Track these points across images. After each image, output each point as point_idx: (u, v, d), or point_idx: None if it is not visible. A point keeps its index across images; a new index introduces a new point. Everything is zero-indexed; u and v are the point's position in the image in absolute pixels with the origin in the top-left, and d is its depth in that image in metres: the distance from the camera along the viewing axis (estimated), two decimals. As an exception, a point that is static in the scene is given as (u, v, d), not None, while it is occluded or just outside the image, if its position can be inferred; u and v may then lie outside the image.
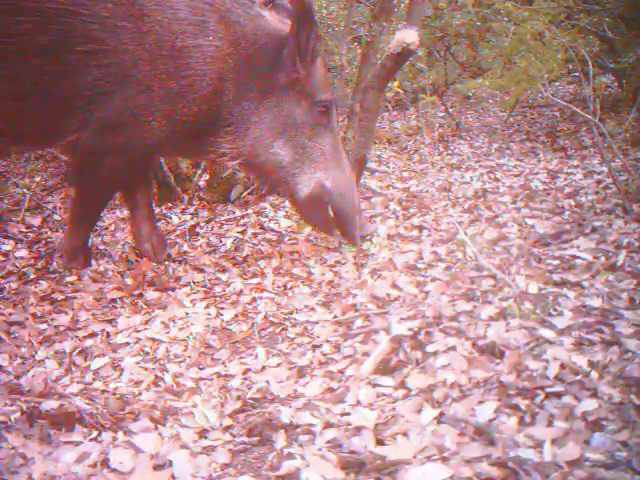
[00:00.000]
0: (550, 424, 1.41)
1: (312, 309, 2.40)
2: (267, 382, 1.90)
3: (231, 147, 2.65)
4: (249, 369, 2.02)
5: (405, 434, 1.47)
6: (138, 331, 2.33)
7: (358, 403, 1.67)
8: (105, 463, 1.50)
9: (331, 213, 2.72)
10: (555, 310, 1.98)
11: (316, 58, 2.62)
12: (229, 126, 2.62)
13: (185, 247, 3.21)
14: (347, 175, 2.77)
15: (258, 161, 2.70)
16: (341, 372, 1.88)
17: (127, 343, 2.25)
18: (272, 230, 3.39)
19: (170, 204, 3.88)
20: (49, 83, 2.36)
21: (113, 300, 2.59)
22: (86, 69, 2.36)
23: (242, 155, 2.68)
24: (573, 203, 3.25)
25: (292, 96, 2.64)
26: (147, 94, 2.43)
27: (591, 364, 1.63)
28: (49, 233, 3.42)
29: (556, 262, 2.43)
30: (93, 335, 2.32)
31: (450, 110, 6.69)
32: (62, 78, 2.37)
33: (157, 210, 3.33)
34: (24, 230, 3.45)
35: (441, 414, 1.52)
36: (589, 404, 1.45)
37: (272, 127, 2.64)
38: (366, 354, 1.91)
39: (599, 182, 3.62)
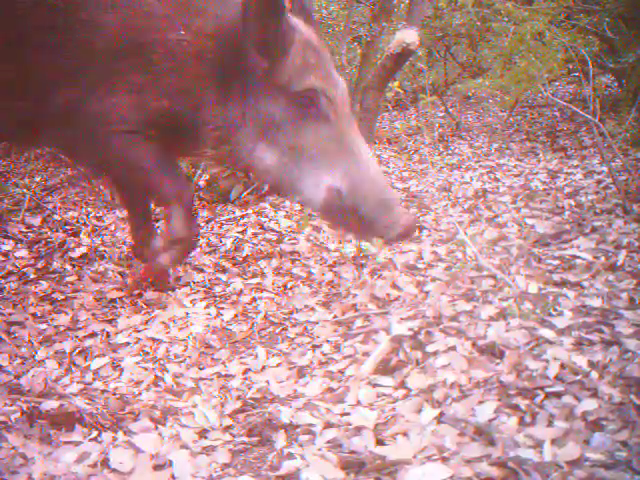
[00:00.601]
0: (550, 424, 1.41)
1: (312, 309, 2.40)
2: (267, 382, 1.90)
3: (216, 152, 2.41)
4: (249, 369, 2.02)
5: (405, 434, 1.47)
6: (138, 331, 2.33)
7: (358, 403, 1.67)
8: (105, 463, 1.50)
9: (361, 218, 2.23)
10: (555, 310, 1.98)
11: (288, 43, 2.22)
12: (214, 130, 2.34)
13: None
14: (368, 170, 2.27)
15: (246, 166, 2.46)
16: (341, 372, 1.88)
17: (127, 343, 2.25)
18: (272, 230, 3.39)
19: (170, 204, 3.87)
20: (15, 78, 2.24)
21: (113, 300, 2.59)
22: (47, 61, 2.22)
23: (229, 160, 2.47)
24: (573, 203, 3.25)
25: (265, 91, 2.27)
26: (109, 87, 2.25)
27: (591, 364, 1.63)
28: (49, 233, 3.41)
29: (556, 262, 2.43)
30: (93, 335, 2.32)
31: (450, 110, 6.69)
32: (27, 70, 2.23)
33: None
34: (24, 230, 3.44)
35: (441, 414, 1.52)
36: (589, 404, 1.45)
37: (252, 129, 2.30)
38: (366, 354, 1.91)
39: (599, 182, 3.62)
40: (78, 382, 1.99)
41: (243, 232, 3.38)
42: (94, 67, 2.23)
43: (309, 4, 2.53)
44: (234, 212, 3.73)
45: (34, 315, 2.49)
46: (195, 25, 2.26)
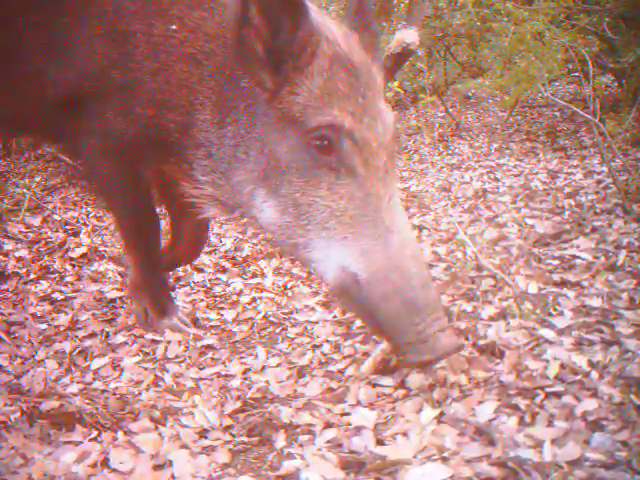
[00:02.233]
0: (550, 424, 1.41)
1: (312, 309, 2.40)
2: (267, 382, 1.90)
3: (202, 191, 1.91)
4: (249, 369, 2.02)
5: (405, 434, 1.47)
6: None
7: (358, 403, 1.67)
8: (105, 463, 1.50)
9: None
10: (555, 310, 1.98)
11: (307, 57, 1.63)
12: (205, 157, 1.86)
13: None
14: (401, 253, 1.58)
15: (243, 215, 1.87)
16: (341, 372, 1.88)
17: (126, 343, 2.25)
18: (272, 230, 3.39)
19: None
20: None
21: (113, 300, 2.59)
22: (27, 48, 1.98)
23: (219, 202, 1.90)
24: (573, 203, 3.25)
25: (271, 121, 1.70)
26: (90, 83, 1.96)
27: (591, 364, 1.63)
28: (49, 233, 3.41)
29: (556, 262, 2.43)
30: (93, 335, 2.32)
31: (450, 110, 6.69)
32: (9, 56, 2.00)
33: (157, 210, 3.33)
34: (24, 230, 3.44)
35: (441, 414, 1.52)
36: (589, 404, 1.45)
37: (252, 169, 1.75)
38: (366, 354, 1.91)
39: (599, 182, 3.62)
40: (78, 382, 1.99)
41: (243, 232, 3.38)
42: (77, 54, 1.92)
43: (369, 8, 1.93)
44: (234, 212, 3.72)
45: (34, 315, 2.49)
46: (192, 19, 1.83)
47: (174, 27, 1.82)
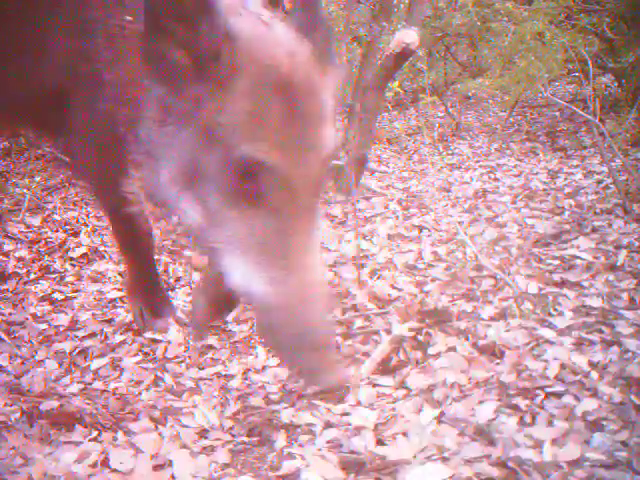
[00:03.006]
0: (550, 424, 1.42)
1: (312, 309, 2.39)
2: (267, 382, 1.90)
3: (141, 183, 1.79)
4: (249, 369, 2.02)
5: (405, 434, 1.47)
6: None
7: (358, 403, 1.67)
8: (105, 463, 1.50)
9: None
10: (555, 310, 1.98)
11: (230, 77, 1.39)
12: (140, 154, 1.72)
13: (185, 247, 3.21)
14: (306, 290, 1.50)
15: (170, 213, 1.76)
16: (341, 372, 1.88)
17: (126, 343, 2.25)
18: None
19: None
20: None
21: (113, 300, 2.58)
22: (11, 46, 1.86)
23: (149, 197, 1.78)
24: (573, 203, 3.25)
25: (202, 133, 1.51)
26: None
27: (591, 364, 1.63)
28: (49, 233, 3.41)
29: (556, 262, 2.43)
30: (93, 335, 2.32)
31: (450, 110, 6.69)
32: None
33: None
34: (24, 230, 3.44)
35: (441, 414, 1.52)
36: (589, 404, 1.45)
37: (180, 172, 1.59)
38: (366, 354, 1.91)
39: (599, 182, 3.62)
40: (78, 382, 1.99)
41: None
42: (50, 47, 1.80)
43: (318, 4, 1.65)
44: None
45: (34, 315, 2.49)
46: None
47: (129, 18, 1.64)
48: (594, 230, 2.75)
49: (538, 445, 1.34)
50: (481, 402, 1.53)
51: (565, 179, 3.92)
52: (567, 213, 3.09)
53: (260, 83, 1.39)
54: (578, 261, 2.40)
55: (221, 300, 1.97)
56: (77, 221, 3.56)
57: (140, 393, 1.90)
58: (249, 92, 1.40)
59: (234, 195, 1.49)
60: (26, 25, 1.87)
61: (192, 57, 1.41)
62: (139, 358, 2.14)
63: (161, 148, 1.63)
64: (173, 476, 1.45)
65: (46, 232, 3.44)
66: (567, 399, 1.49)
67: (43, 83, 1.91)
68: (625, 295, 2.02)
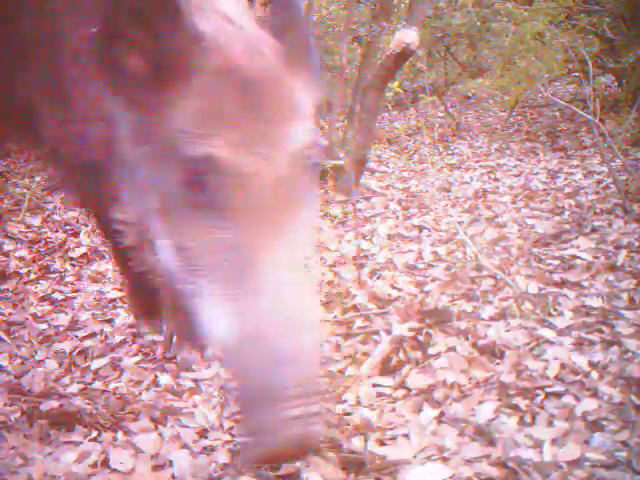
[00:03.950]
0: (550, 424, 1.42)
1: (312, 309, 2.39)
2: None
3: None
4: (249, 369, 2.01)
5: (405, 434, 1.47)
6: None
7: (358, 403, 1.67)
8: (105, 463, 1.50)
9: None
10: (555, 310, 1.98)
11: (190, 75, 1.27)
12: (124, 180, 1.51)
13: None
14: (269, 320, 1.18)
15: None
16: (341, 372, 1.88)
17: (126, 343, 2.25)
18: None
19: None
20: None
21: (113, 300, 2.58)
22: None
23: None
24: (573, 203, 3.25)
25: (160, 146, 1.33)
26: None
27: (591, 364, 1.63)
28: (49, 233, 3.41)
29: (556, 262, 2.43)
30: (93, 335, 2.32)
31: (450, 110, 6.69)
32: None
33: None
34: (24, 230, 3.44)
35: (441, 414, 1.52)
36: (589, 404, 1.45)
37: (151, 198, 1.38)
38: (366, 354, 1.91)
39: (599, 182, 3.62)
40: (78, 382, 1.99)
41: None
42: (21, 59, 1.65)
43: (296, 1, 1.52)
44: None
45: (34, 315, 2.49)
46: None
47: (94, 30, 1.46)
48: (594, 230, 2.75)
49: (538, 445, 1.34)
50: (481, 402, 1.54)
51: (565, 179, 3.92)
52: (567, 213, 3.09)
53: (219, 82, 1.27)
54: (578, 261, 2.40)
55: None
56: (77, 221, 3.56)
57: (140, 393, 1.90)
58: (207, 92, 1.27)
59: (193, 208, 1.27)
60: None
61: (152, 63, 1.27)
62: (139, 358, 2.14)
63: (139, 171, 1.43)
64: (173, 476, 1.45)
65: (46, 232, 3.44)
66: (567, 399, 1.49)
67: (14, 97, 1.74)
68: (625, 295, 2.02)
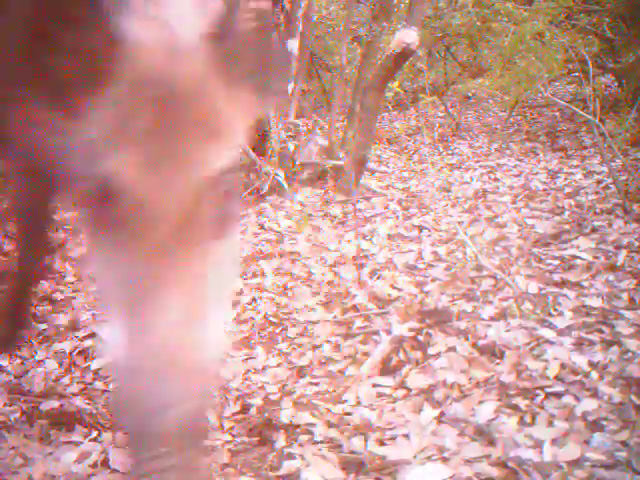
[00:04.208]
0: (550, 424, 1.42)
1: (312, 309, 2.40)
2: (267, 382, 1.90)
3: None
4: (249, 369, 2.02)
5: (405, 434, 1.47)
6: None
7: (358, 403, 1.67)
8: (105, 463, 1.50)
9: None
10: (555, 310, 1.98)
11: (104, 83, 1.13)
12: None
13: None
14: (153, 358, 1.04)
15: None
16: (341, 372, 1.88)
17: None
18: (272, 230, 3.39)
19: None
20: None
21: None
22: None
23: None
24: (573, 203, 3.25)
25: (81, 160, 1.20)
26: None
27: (591, 364, 1.63)
28: (49, 233, 3.41)
29: (556, 262, 2.43)
30: (93, 335, 2.32)
31: (450, 110, 6.69)
32: None
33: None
34: (24, 230, 3.44)
35: (441, 414, 1.52)
36: (589, 404, 1.45)
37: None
38: (366, 354, 1.91)
39: (599, 182, 3.62)
40: (78, 382, 1.99)
41: (243, 232, 3.38)
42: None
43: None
44: (234, 212, 3.72)
45: (34, 315, 2.49)
46: None
47: None
48: (594, 230, 2.75)
49: (538, 445, 1.34)
50: (481, 402, 1.54)
51: (565, 179, 3.92)
52: (567, 213, 3.09)
53: (134, 91, 1.12)
54: (578, 261, 2.40)
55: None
56: (77, 221, 3.56)
57: (140, 393, 1.90)
58: (121, 101, 1.13)
59: (100, 231, 1.15)
60: None
61: (77, 66, 1.12)
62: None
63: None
64: (173, 476, 1.45)
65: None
66: (567, 399, 1.49)
67: None
68: (625, 295, 2.02)
